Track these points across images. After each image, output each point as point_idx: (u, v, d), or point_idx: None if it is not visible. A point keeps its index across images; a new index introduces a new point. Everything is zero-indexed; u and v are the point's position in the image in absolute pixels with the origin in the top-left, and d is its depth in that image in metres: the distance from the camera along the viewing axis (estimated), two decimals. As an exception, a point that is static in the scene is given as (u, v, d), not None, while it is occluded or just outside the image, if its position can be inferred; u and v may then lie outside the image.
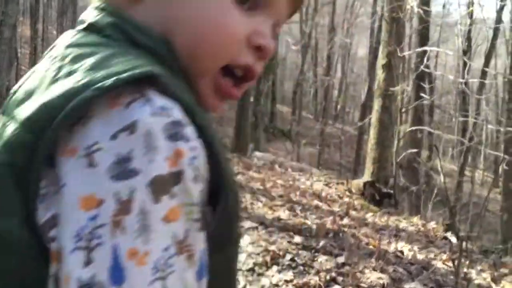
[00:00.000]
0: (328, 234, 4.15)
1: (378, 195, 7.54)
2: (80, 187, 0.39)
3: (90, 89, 0.40)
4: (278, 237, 3.80)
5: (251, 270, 3.04)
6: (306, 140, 30.44)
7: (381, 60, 8.92)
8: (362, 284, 3.00)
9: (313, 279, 2.80)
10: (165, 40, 0.49)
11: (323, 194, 7.62)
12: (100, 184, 0.39)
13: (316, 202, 6.44)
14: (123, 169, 0.38)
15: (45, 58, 0.51)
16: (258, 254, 3.33)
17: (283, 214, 5.01)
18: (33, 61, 26.69)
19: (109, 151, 0.39)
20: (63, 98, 0.41)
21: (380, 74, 8.79)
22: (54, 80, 0.44)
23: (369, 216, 6.02)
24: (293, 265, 3.11)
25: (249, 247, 3.55)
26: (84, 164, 0.39)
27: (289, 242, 3.65)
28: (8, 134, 0.42)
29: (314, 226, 4.40)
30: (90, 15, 0.52)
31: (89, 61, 0.44)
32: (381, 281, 3.12)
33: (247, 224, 4.24)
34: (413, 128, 9.09)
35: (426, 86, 8.75)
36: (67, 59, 0.46)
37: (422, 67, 8.00)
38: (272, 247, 3.44)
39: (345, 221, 5.06)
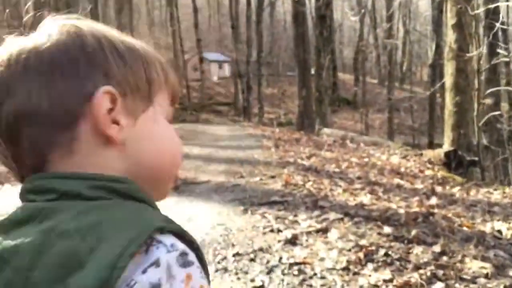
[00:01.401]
0: (417, 219, 4.00)
1: (462, 164, 7.17)
2: None
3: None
4: (366, 229, 3.72)
5: (346, 269, 3.00)
6: (373, 106, 29.57)
7: (450, 20, 8.33)
8: (465, 276, 2.86)
9: (413, 277, 2.71)
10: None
11: (402, 169, 7.38)
12: None
13: (397, 180, 6.25)
14: None
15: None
16: (349, 250, 3.28)
17: (365, 198, 4.90)
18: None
19: (143, 281, 0.51)
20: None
21: (450, 35, 8.23)
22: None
23: (457, 191, 5.74)
24: (388, 260, 3.03)
25: (338, 242, 3.51)
26: None
27: (379, 234, 3.56)
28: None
29: (401, 211, 4.26)
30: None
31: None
32: (484, 271, 2.96)
33: (331, 215, 4.20)
34: (493, 89, 8.46)
35: (501, 44, 8.06)
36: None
37: (498, 24, 7.36)
38: (363, 242, 3.37)
39: (433, 200, 4.85)
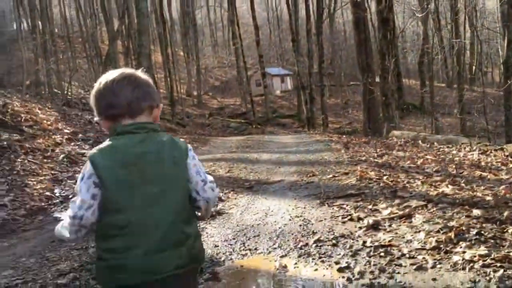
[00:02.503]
0: (508, 203, 3.77)
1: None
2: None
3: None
4: (453, 213, 3.57)
5: (436, 248, 2.88)
6: (442, 110, 28.29)
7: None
8: None
9: (512, 252, 2.56)
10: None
11: (483, 163, 6.98)
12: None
13: (478, 172, 5.92)
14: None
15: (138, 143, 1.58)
16: (438, 231, 3.15)
17: (447, 189, 4.69)
18: (169, 84, 29.27)
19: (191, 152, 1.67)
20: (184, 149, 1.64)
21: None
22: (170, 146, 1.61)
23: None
24: (482, 239, 2.88)
25: (424, 225, 3.39)
26: (194, 157, 1.66)
27: (468, 216, 3.40)
28: (174, 154, 1.60)
29: (489, 198, 4.04)
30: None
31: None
32: None
33: (413, 203, 4.07)
34: None
35: None
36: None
37: None
38: (452, 223, 3.24)
39: (522, 188, 4.54)
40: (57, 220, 2.27)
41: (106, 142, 1.54)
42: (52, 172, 7.46)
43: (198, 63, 35.95)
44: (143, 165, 1.50)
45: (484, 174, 5.78)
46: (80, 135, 10.27)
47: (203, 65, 42.03)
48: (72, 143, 9.46)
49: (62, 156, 8.34)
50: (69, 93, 21.71)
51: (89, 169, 1.49)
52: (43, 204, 6.15)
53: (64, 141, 9.37)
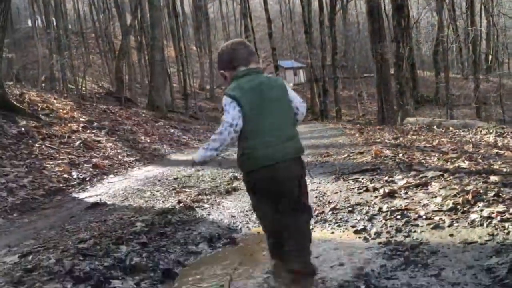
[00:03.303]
0: (526, 171, 3.73)
1: None
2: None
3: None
4: (470, 180, 3.55)
5: (454, 209, 2.87)
6: (457, 101, 27.91)
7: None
8: None
9: (531, 208, 2.54)
10: None
11: (499, 144, 6.91)
12: None
13: (495, 150, 5.86)
14: None
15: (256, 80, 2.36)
16: (455, 196, 3.14)
17: (463, 164, 4.65)
18: (181, 78, 29.36)
19: None
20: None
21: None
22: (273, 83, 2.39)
23: None
24: (500, 200, 2.86)
25: (441, 191, 3.37)
26: (290, 87, 2.52)
27: (485, 182, 3.38)
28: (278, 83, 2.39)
29: (507, 169, 4.00)
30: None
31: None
32: None
33: (429, 174, 4.05)
34: None
35: None
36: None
37: None
38: (469, 187, 3.22)
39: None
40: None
41: (232, 84, 2.33)
42: (69, 156, 7.58)
43: (211, 56, 35.98)
44: (262, 90, 2.30)
45: (502, 151, 5.73)
46: (95, 123, 10.39)
47: (215, 59, 42.02)
48: (88, 131, 9.58)
49: (78, 142, 8.46)
50: (83, 88, 21.93)
51: (228, 99, 2.27)
52: (61, 185, 6.25)
53: (80, 129, 9.49)
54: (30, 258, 3.11)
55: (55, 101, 11.18)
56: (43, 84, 21.58)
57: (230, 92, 2.28)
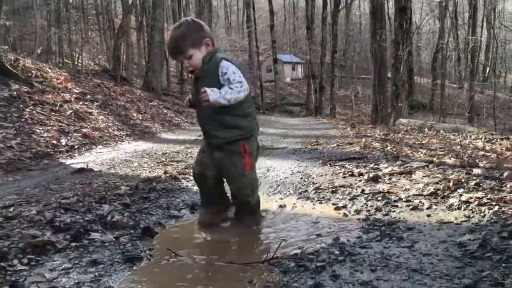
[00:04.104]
0: (510, 166, 3.79)
1: (556, 145, 6.63)
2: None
3: None
4: (453, 171, 3.60)
5: (434, 194, 2.92)
6: (451, 110, 28.12)
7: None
8: None
9: (509, 196, 2.59)
10: None
11: (487, 148, 6.99)
12: None
13: (482, 152, 5.94)
14: None
15: None
16: (437, 183, 3.19)
17: (449, 160, 4.71)
18: (179, 62, 29.00)
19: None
20: None
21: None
22: None
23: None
24: (480, 188, 2.91)
25: (424, 179, 3.43)
26: None
27: (468, 173, 3.43)
28: None
29: (490, 165, 4.06)
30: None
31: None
32: None
33: (414, 164, 4.10)
34: None
35: None
36: None
37: None
38: (452, 176, 3.27)
39: (525, 162, 4.55)
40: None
41: (219, 54, 2.56)
42: (59, 124, 7.54)
43: (211, 44, 35.87)
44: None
45: (488, 154, 5.80)
46: (88, 96, 10.34)
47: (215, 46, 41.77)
48: (81, 102, 9.53)
49: (70, 111, 8.42)
50: (80, 63, 21.75)
51: (234, 66, 2.49)
52: (49, 150, 6.23)
53: (73, 99, 9.44)
54: (11, 209, 3.11)
55: (49, 70, 11.09)
56: (39, 57, 21.36)
57: (232, 61, 2.54)
